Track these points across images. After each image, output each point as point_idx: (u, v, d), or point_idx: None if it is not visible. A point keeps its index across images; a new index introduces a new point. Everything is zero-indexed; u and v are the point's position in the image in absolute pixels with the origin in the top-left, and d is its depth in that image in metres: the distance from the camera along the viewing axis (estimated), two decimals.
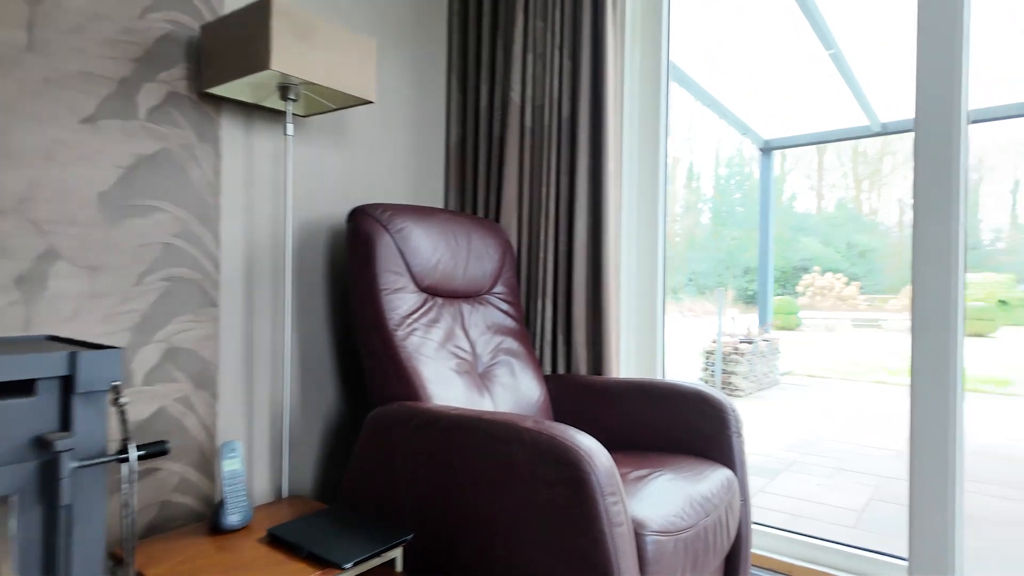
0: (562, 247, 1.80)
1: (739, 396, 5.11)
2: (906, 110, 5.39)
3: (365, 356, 1.46)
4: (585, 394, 1.67)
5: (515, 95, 1.88)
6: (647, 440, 1.53)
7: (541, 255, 1.83)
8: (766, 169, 6.65)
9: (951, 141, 1.37)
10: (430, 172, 2.03)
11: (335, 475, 1.68)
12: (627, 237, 1.91)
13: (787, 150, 6.69)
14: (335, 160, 1.69)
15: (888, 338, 12.52)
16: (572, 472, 0.97)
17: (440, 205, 2.07)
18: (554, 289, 1.82)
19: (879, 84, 4.79)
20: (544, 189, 1.83)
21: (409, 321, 1.44)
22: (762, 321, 6.71)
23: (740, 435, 1.43)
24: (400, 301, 1.44)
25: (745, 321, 7.88)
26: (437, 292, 1.57)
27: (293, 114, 1.56)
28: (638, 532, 1.02)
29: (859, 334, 13.39)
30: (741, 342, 5.34)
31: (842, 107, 5.30)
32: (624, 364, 1.89)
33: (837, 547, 1.60)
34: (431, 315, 1.50)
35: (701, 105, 5.47)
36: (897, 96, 5.03)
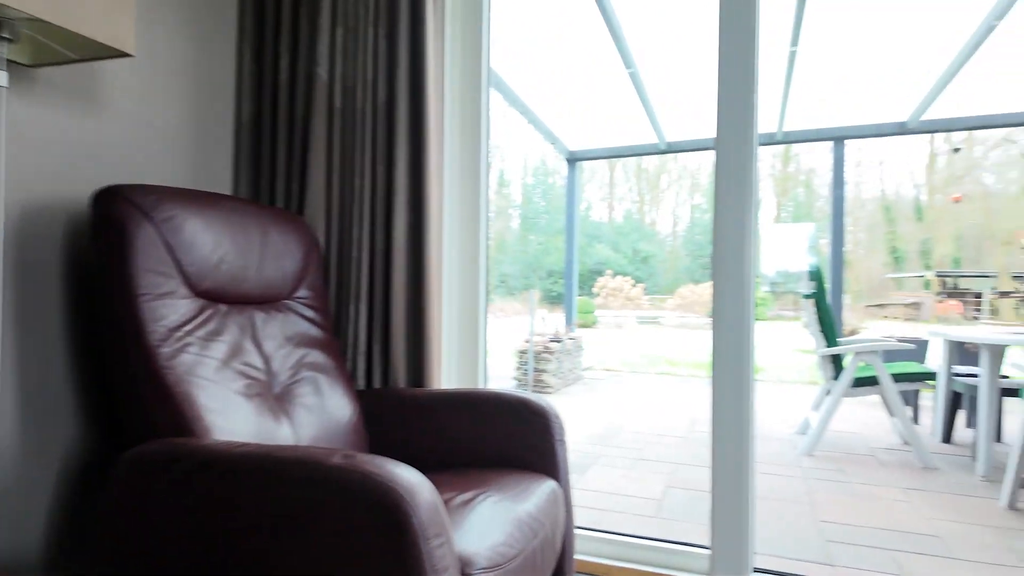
0: (379, 245, 1.62)
1: (549, 392, 5.34)
2: (688, 131, 6.12)
3: (119, 381, 1.13)
4: (404, 410, 1.51)
5: (322, 71, 1.65)
6: (472, 455, 1.42)
7: (354, 254, 1.63)
8: (572, 178, 7.07)
9: (746, 159, 1.49)
10: (215, 153, 1.70)
11: (76, 537, 1.30)
12: (449, 237, 1.79)
13: (585, 162, 7.20)
14: (81, 127, 1.30)
15: (666, 333, 14.26)
16: (390, 515, 0.81)
17: (229, 192, 1.75)
18: (369, 293, 1.63)
19: (667, 105, 5.34)
20: (358, 180, 1.63)
21: (180, 334, 1.15)
22: (568, 320, 7.12)
23: (563, 442, 1.39)
24: (167, 309, 1.14)
25: (552, 320, 8.33)
26: (221, 298, 1.29)
27: (9, 60, 1.16)
28: (465, 574, 0.90)
29: (643, 330, 15.07)
30: (551, 341, 5.59)
31: (636, 124, 5.83)
32: (446, 374, 1.77)
33: (648, 543, 1.66)
34: (211, 326, 1.22)
35: (514, 112, 5.61)
36: (681, 118, 5.67)
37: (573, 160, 7.02)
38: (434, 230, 1.60)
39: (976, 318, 12.91)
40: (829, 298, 3.88)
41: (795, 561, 1.88)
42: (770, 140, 5.93)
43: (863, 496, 2.53)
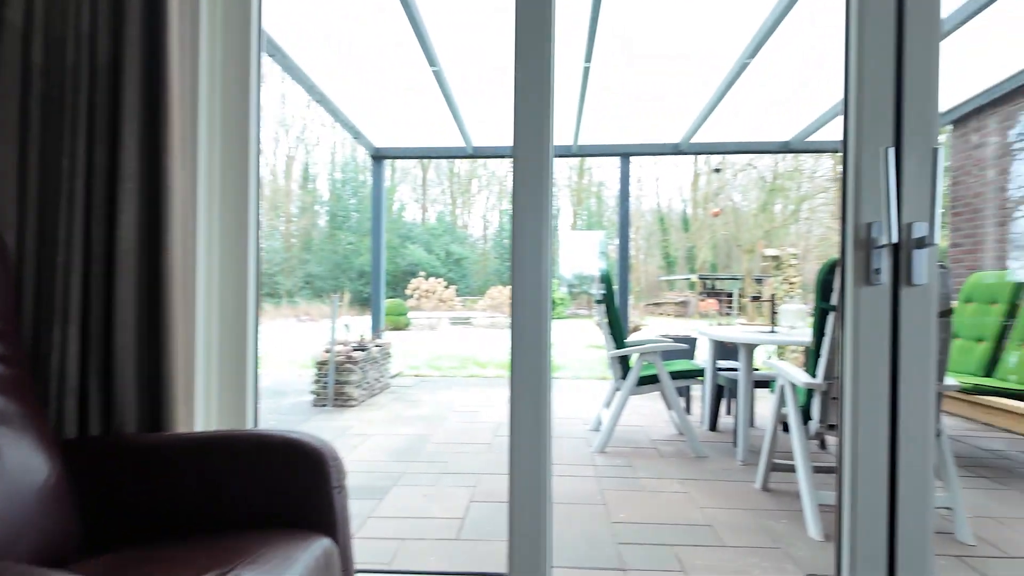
0: (98, 248, 1.25)
1: (352, 406, 4.99)
2: (493, 137, 6.20)
3: None
4: (134, 462, 1.17)
5: (14, 15, 1.24)
6: (228, 515, 1.15)
7: (60, 260, 1.24)
8: (378, 176, 6.75)
9: (542, 168, 1.43)
10: None
11: None
12: (207, 236, 1.47)
13: (397, 161, 6.94)
14: None
15: (477, 333, 14.55)
16: None
17: None
18: (83, 311, 1.25)
19: (472, 109, 5.33)
20: (67, 162, 1.24)
21: None
22: (375, 327, 6.79)
23: (343, 488, 1.19)
24: None
25: (360, 325, 7.91)
26: None
27: None
28: None
29: (456, 331, 15.20)
30: (355, 350, 5.23)
31: (442, 125, 5.73)
32: (201, 412, 1.43)
33: None
34: None
35: (314, 103, 5.17)
36: (486, 123, 5.70)
37: (379, 157, 6.72)
38: (178, 228, 1.28)
39: (729, 314, 15.32)
40: (618, 300, 4.18)
41: (590, 570, 1.89)
42: (566, 152, 6.28)
43: (649, 491, 2.70)
